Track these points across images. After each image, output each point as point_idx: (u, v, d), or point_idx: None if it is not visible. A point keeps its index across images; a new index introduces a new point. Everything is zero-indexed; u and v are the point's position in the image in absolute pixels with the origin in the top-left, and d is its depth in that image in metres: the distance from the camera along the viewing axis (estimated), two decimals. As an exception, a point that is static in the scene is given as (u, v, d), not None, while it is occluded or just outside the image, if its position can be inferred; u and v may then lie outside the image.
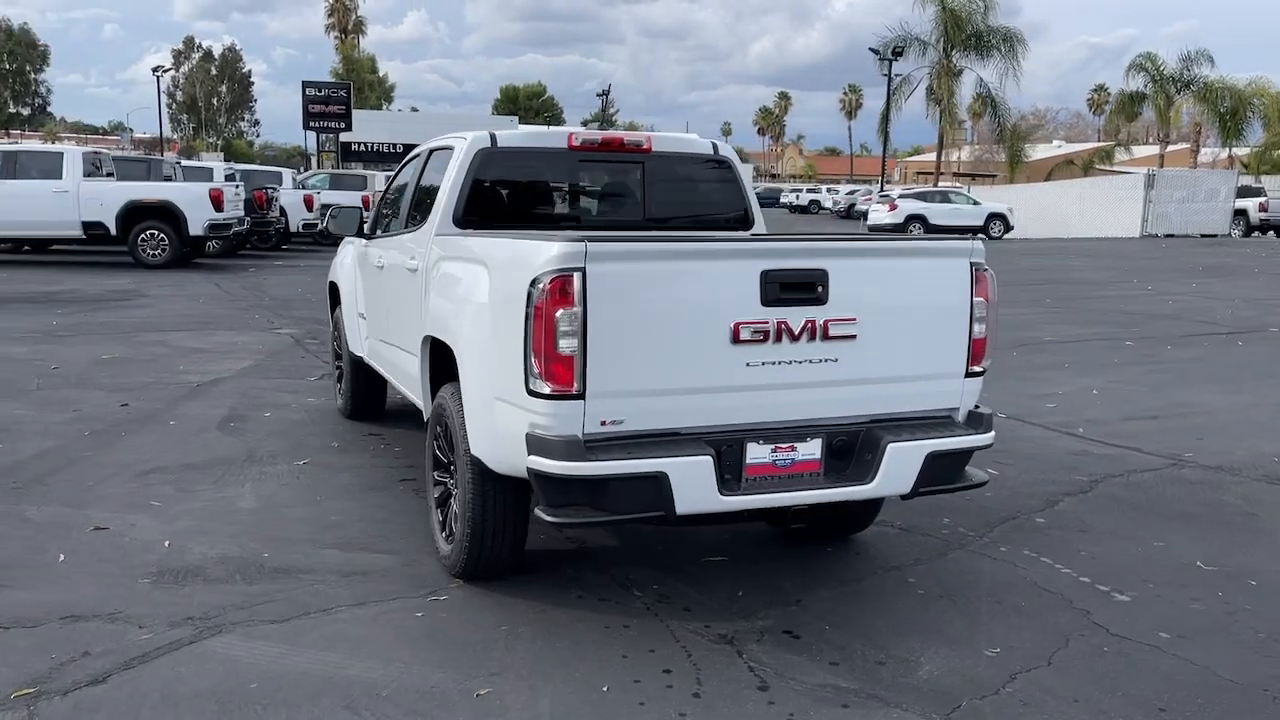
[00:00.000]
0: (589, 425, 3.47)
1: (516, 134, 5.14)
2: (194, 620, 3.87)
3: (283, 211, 23.32)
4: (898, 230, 31.73)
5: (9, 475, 5.66)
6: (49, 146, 19.64)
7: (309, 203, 24.10)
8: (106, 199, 17.89)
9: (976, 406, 4.09)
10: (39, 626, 3.79)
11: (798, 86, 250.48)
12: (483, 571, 4.21)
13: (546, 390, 3.42)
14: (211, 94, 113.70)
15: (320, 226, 22.55)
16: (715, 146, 5.39)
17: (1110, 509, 5.45)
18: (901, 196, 34.42)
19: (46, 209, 17.69)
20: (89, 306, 13.12)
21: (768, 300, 3.58)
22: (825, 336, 3.69)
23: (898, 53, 41.61)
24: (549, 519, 3.49)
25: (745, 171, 5.50)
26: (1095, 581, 4.45)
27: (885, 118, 43.71)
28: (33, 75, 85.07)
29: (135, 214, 18.05)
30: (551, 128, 5.68)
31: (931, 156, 56.87)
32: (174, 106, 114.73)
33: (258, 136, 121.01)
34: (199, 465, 5.95)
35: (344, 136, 63.88)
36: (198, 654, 3.60)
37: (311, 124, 61.11)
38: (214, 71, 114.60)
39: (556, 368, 3.39)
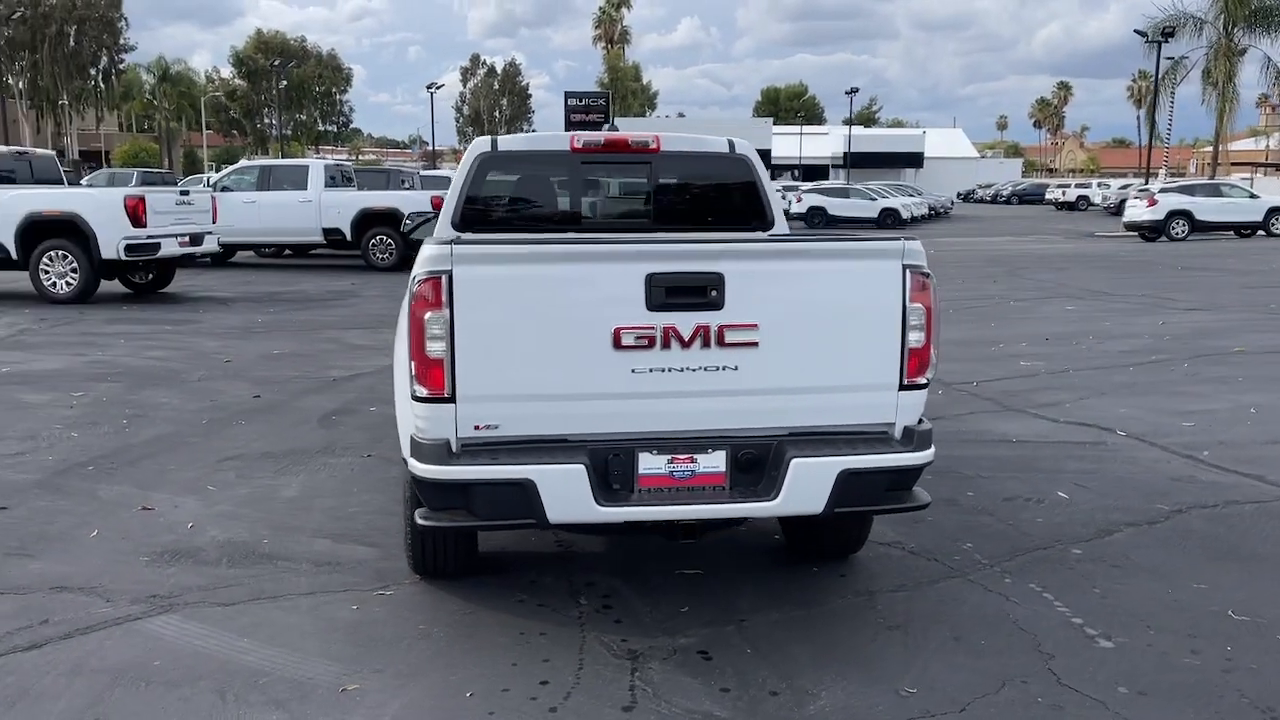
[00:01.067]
0: (462, 429, 3.46)
1: (519, 139, 5.20)
2: (156, 598, 4.18)
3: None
4: (1155, 228, 29.20)
5: (111, 457, 6.30)
6: (297, 160, 21.53)
7: (435, 205, 25.08)
8: (344, 207, 19.48)
9: (920, 422, 3.74)
10: (28, 594, 4.22)
11: (1087, 74, 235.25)
12: (432, 570, 4.28)
13: (423, 394, 3.45)
14: (494, 107, 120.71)
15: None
16: (732, 145, 5.21)
17: (1171, 543, 4.82)
18: (1163, 191, 31.58)
19: (294, 217, 19.50)
20: (299, 306, 14.32)
21: (653, 305, 3.44)
22: (721, 343, 3.50)
23: (1168, 34, 38.16)
24: (421, 522, 3.52)
25: (764, 170, 5.27)
26: (1087, 624, 3.96)
27: (1153, 105, 40.22)
28: (338, 96, 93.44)
29: (367, 221, 19.54)
30: (555, 132, 5.66)
31: (1237, 146, 51.67)
32: (460, 120, 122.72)
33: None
34: (275, 454, 6.39)
35: (605, 143, 66.29)
36: (134, 630, 3.89)
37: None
38: (496, 86, 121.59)
39: (428, 370, 3.42)
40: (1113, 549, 4.76)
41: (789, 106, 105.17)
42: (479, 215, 5.06)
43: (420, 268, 3.39)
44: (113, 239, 13.52)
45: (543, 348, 3.45)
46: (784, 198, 42.78)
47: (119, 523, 5.12)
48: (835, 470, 3.50)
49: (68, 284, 13.86)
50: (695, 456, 3.57)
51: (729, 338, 3.50)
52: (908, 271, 3.60)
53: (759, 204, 5.22)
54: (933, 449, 3.72)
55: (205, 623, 3.97)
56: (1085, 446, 6.58)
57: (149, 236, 13.88)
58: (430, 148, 76.18)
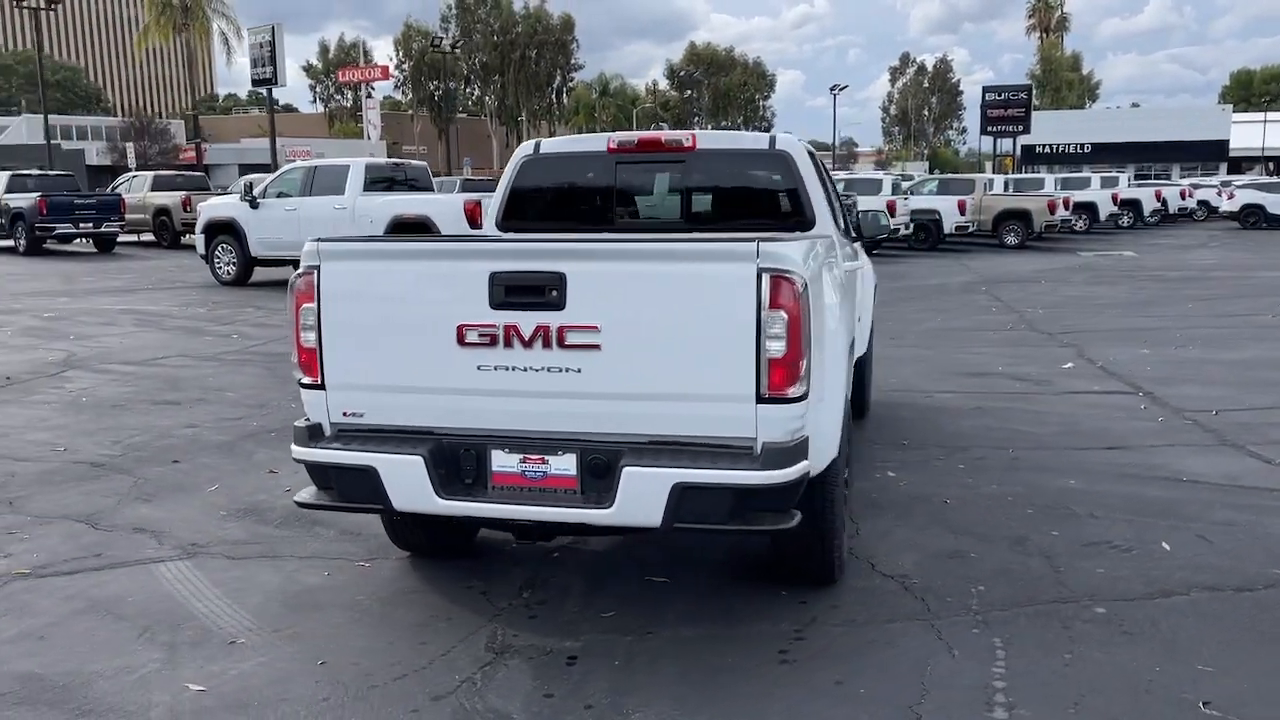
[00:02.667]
0: (333, 415, 3.72)
1: (560, 141, 5.31)
2: (194, 546, 4.85)
3: (865, 217, 24.01)
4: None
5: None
6: (338, 161, 19.17)
7: (891, 209, 24.48)
8: (376, 215, 16.45)
9: (795, 437, 3.43)
10: (111, 531, 5.07)
11: None
12: (404, 544, 4.57)
13: (303, 380, 3.75)
14: (922, 106, 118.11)
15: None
16: (773, 141, 4.97)
17: (1229, 616, 3.95)
18: None
19: (330, 227, 16.01)
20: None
21: (495, 303, 3.48)
22: (562, 344, 3.45)
23: None
24: (295, 500, 3.81)
25: (814, 168, 4.95)
26: (1006, 691, 3.41)
27: None
28: (760, 101, 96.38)
29: (399, 229, 16.13)
30: (598, 134, 5.60)
31: None
32: (886, 120, 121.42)
33: (964, 144, 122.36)
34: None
35: (1027, 139, 62.63)
36: (146, 570, 4.57)
37: (989, 128, 60.91)
38: (925, 84, 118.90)
39: (303, 359, 3.71)
40: (1147, 613, 3.98)
41: (1262, 90, 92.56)
42: (520, 215, 5.26)
43: (300, 263, 3.69)
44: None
45: (396, 341, 3.61)
46: (1219, 194, 38.18)
47: (241, 482, 5.91)
48: (669, 482, 3.32)
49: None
50: (546, 458, 3.54)
51: (569, 339, 3.44)
52: (766, 276, 3.32)
53: (798, 203, 4.92)
54: (799, 466, 3.39)
55: (202, 570, 4.55)
56: (1266, 494, 5.44)
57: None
58: (833, 149, 76.17)
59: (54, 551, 4.78)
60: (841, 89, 65.41)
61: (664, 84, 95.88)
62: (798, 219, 4.92)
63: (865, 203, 24.03)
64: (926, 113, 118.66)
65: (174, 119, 65.78)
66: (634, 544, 4.83)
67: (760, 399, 3.37)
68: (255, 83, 37.51)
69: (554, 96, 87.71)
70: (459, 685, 3.49)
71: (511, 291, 3.46)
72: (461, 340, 3.51)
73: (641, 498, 3.35)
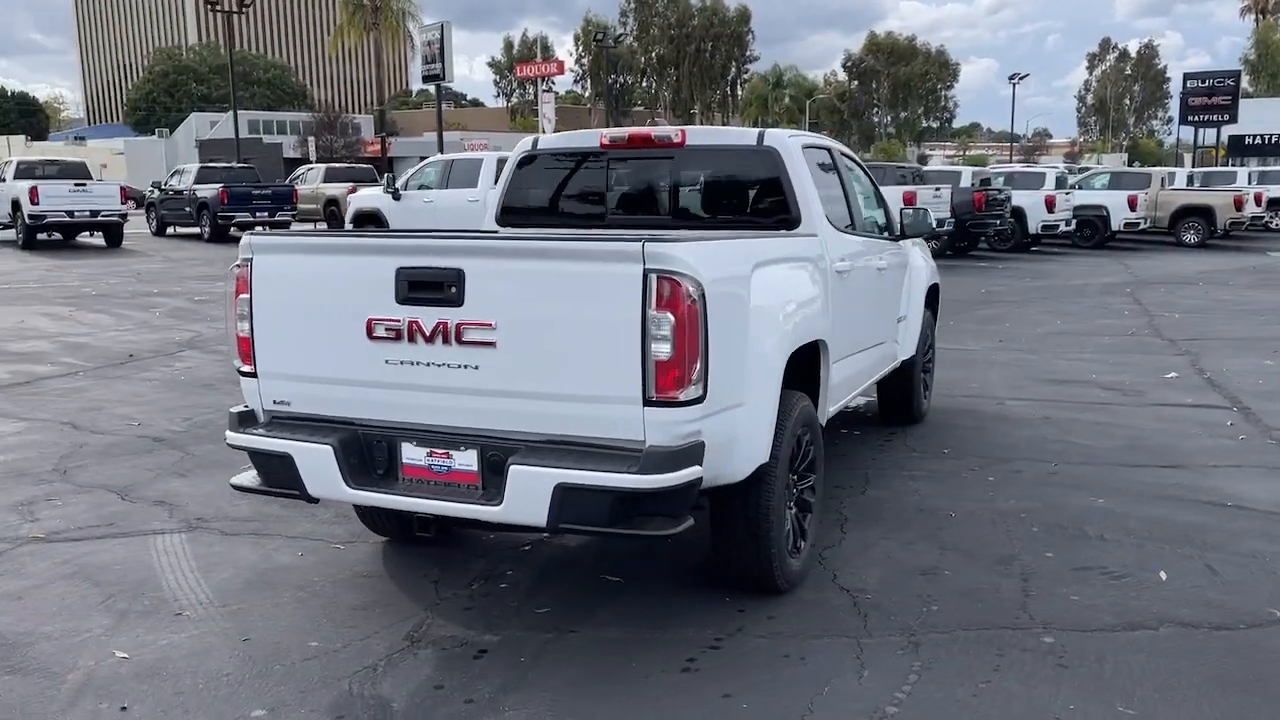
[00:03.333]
0: (265, 402, 3.88)
1: (557, 137, 5.32)
2: (200, 520, 5.13)
3: (1018, 213, 23.01)
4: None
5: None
6: (473, 154, 20.06)
7: (1049, 204, 23.34)
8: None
9: (688, 441, 3.35)
10: (136, 502, 5.41)
11: None
12: (374, 528, 4.72)
13: (241, 368, 3.92)
14: (1123, 94, 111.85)
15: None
16: (760, 138, 4.84)
17: (1195, 656, 3.61)
18: None
19: (463, 219, 17.22)
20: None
21: (400, 298, 3.55)
22: (460, 341, 3.49)
23: None
24: (231, 483, 3.97)
25: (805, 164, 4.78)
26: (900, 718, 3.23)
27: None
28: (942, 91, 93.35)
29: None
30: (592, 130, 5.50)
31: None
32: (1082, 110, 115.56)
33: (1169, 135, 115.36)
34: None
35: (1235, 129, 58.39)
36: (144, 542, 4.87)
37: (1190, 118, 57.16)
38: (1128, 71, 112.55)
39: (241, 348, 3.88)
40: (1098, 646, 3.69)
41: None
42: (518, 211, 5.30)
43: (238, 255, 3.86)
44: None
45: (317, 333, 3.72)
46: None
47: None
48: (552, 483, 3.31)
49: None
50: (451, 453, 3.59)
51: (467, 335, 3.47)
52: (653, 277, 3.25)
53: (783, 201, 4.77)
54: (686, 472, 3.31)
55: (192, 545, 4.82)
56: (1312, 525, 4.95)
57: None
58: (1011, 140, 72.91)
59: (73, 519, 5.15)
60: (1022, 78, 62.57)
61: (842, 75, 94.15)
62: (782, 217, 4.77)
63: (1022, 198, 23.07)
64: (1128, 102, 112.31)
65: (368, 114, 69.40)
66: (608, 541, 4.82)
67: (647, 401, 3.31)
68: (425, 79, 39.00)
69: (728, 89, 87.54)
70: (358, 671, 3.58)
71: (415, 287, 3.52)
72: (371, 334, 3.59)
73: (528, 497, 3.35)
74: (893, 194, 19.12)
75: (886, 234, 6.35)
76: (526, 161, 5.32)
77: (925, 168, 28.52)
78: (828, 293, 4.68)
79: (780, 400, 4.03)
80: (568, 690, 3.45)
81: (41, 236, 24.00)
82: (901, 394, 6.97)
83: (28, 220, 23.47)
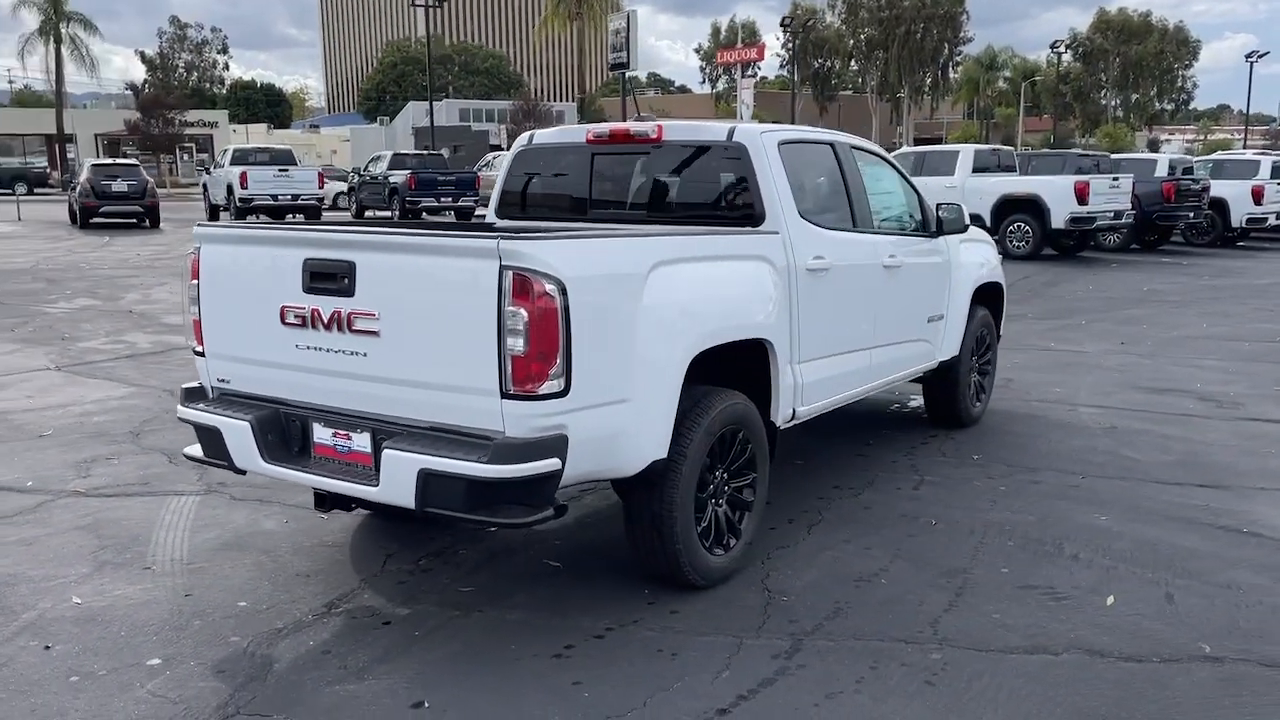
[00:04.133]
0: (212, 380, 4.23)
1: (551, 132, 5.44)
2: (220, 484, 5.59)
3: (1219, 205, 21.37)
4: None
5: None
6: (950, 146, 21.71)
7: (1257, 195, 21.51)
8: (985, 194, 19.23)
9: (552, 435, 3.44)
10: (176, 464, 5.94)
11: None
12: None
13: (195, 348, 4.29)
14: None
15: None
16: (731, 133, 4.81)
17: (1076, 685, 3.42)
18: None
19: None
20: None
21: (306, 287, 3.80)
22: (351, 329, 3.71)
23: None
24: (184, 453, 4.34)
25: (770, 163, 4.71)
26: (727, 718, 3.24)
27: None
28: (1179, 71, 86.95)
29: (1006, 207, 19.02)
30: (584, 125, 5.46)
31: None
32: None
33: None
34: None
35: None
36: (156, 501, 5.37)
37: None
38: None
39: (193, 329, 4.25)
40: (980, 667, 3.55)
41: None
42: (513, 204, 5.48)
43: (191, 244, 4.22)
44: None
45: (245, 317, 4.03)
46: None
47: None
48: (416, 467, 3.48)
49: (1021, 246, 18.59)
50: (350, 434, 3.82)
51: (356, 324, 3.69)
52: (508, 273, 3.37)
53: (749, 197, 4.72)
54: (540, 464, 3.40)
55: (201, 507, 5.27)
56: (1323, 557, 4.51)
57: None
58: (1245, 122, 66.80)
59: (118, 477, 5.73)
60: (1261, 56, 57.31)
61: (1066, 55, 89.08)
62: (746, 212, 4.73)
63: (1225, 188, 21.33)
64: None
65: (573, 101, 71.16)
66: (572, 528, 4.95)
67: (504, 394, 3.42)
68: (612, 67, 39.65)
69: (939, 72, 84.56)
70: (265, 632, 3.87)
71: (315, 277, 3.76)
72: (284, 320, 3.87)
73: (398, 479, 3.54)
74: (1063, 183, 18.28)
75: (921, 231, 6.15)
76: (521, 156, 5.49)
77: (1142, 155, 26.80)
78: (789, 291, 4.63)
79: (696, 398, 4.06)
80: (437, 665, 3.62)
81: (250, 219, 26.04)
82: (946, 395, 6.74)
83: (238, 203, 25.57)
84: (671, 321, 3.88)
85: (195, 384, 4.30)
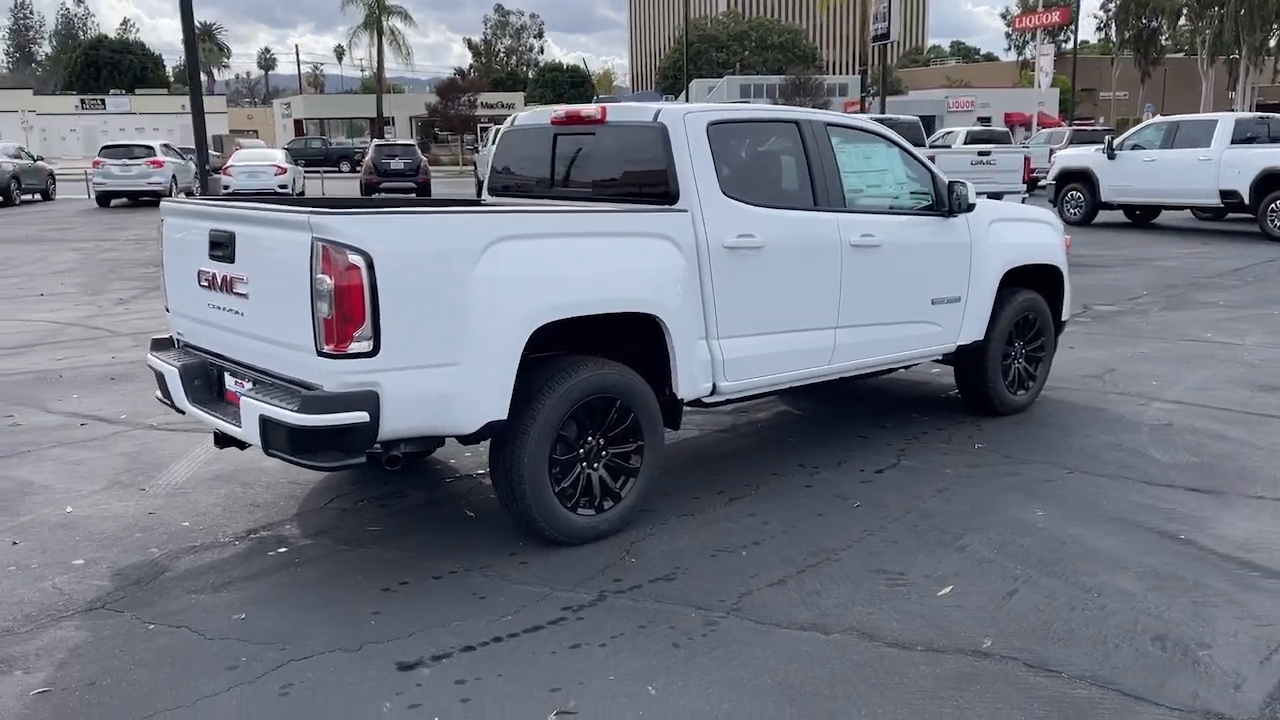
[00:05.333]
0: (175, 332, 4.97)
1: (529, 114, 5.75)
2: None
3: None
4: None
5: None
6: (1207, 116, 19.60)
7: None
8: (1244, 167, 17.46)
9: (361, 390, 3.86)
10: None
11: None
12: None
13: (167, 306, 5.05)
14: None
15: None
16: (656, 114, 4.97)
17: (816, 656, 3.43)
18: None
19: (1189, 176, 18.18)
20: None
21: (210, 255, 4.44)
22: (233, 291, 4.31)
23: None
24: (156, 395, 5.10)
25: (689, 142, 4.82)
26: (435, 662, 3.57)
27: None
28: None
29: (1268, 182, 17.19)
30: (556, 107, 5.54)
31: None
32: None
33: None
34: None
35: None
36: (192, 434, 6.24)
37: None
38: None
39: (165, 290, 5.01)
40: (743, 635, 3.63)
41: None
42: (500, 182, 5.88)
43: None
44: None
45: (183, 280, 4.72)
46: None
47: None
48: (258, 413, 4.02)
49: (1280, 226, 16.93)
50: (244, 383, 4.42)
51: (236, 288, 4.28)
52: (319, 244, 3.81)
53: (664, 176, 4.86)
54: (345, 415, 3.81)
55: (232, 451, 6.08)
56: (1254, 576, 4.11)
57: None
58: None
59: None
60: None
61: None
62: (663, 191, 4.88)
63: None
64: None
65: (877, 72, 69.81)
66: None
67: (319, 352, 3.87)
68: (875, 39, 38.59)
69: (1283, 31, 75.28)
70: (178, 549, 4.55)
71: (214, 246, 4.38)
72: (199, 282, 4.52)
73: (250, 424, 4.08)
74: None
75: (933, 210, 5.99)
76: (506, 137, 5.88)
77: None
78: (699, 268, 4.76)
79: (556, 366, 4.34)
80: (283, 587, 4.15)
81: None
82: (973, 380, 6.52)
83: (493, 179, 27.40)
84: (509, 294, 4.16)
85: (165, 336, 5.05)
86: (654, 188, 4.98)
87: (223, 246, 4.32)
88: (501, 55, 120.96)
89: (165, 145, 29.33)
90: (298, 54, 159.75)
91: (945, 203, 5.98)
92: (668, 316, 4.66)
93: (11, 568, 4.33)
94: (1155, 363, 8.08)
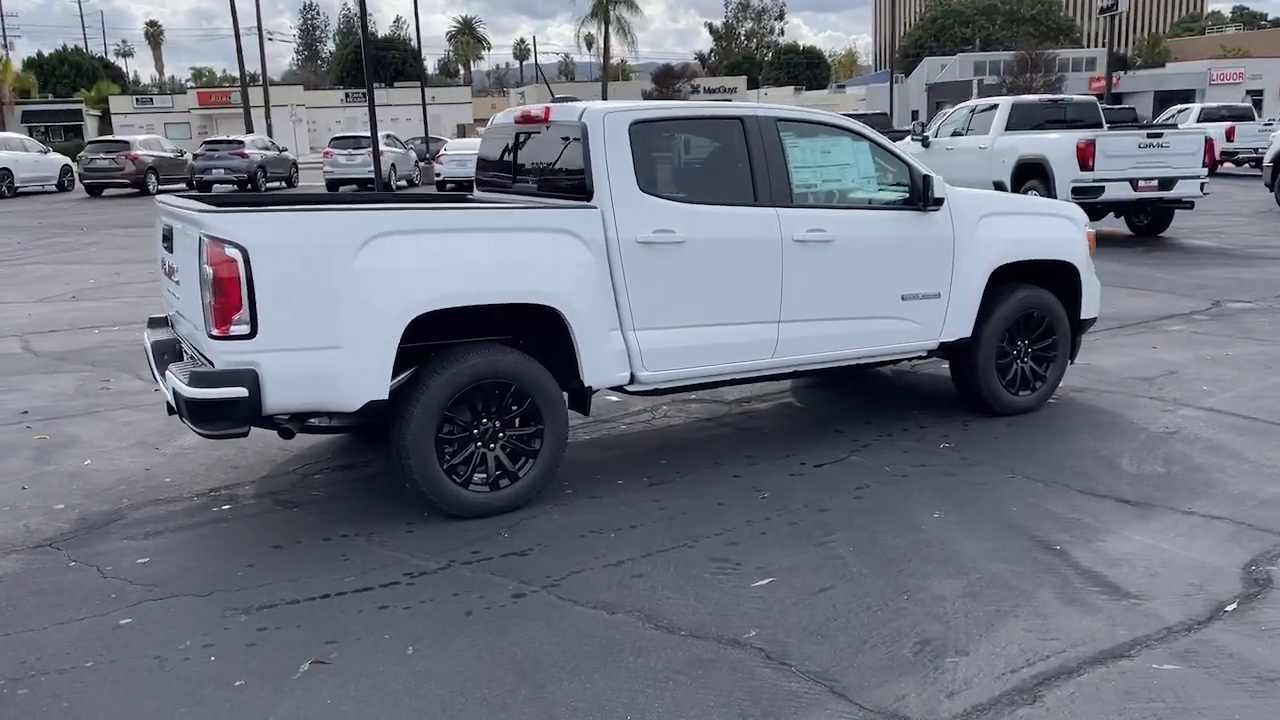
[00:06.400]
0: (165, 311, 5.68)
1: (502, 114, 6.07)
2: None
3: None
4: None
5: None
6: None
7: None
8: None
9: (240, 369, 4.36)
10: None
11: None
12: None
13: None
14: None
15: None
16: (581, 114, 5.20)
17: (584, 632, 3.64)
18: None
19: None
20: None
21: (164, 245, 5.09)
22: (173, 278, 4.94)
23: None
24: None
25: (606, 142, 5.02)
26: (133, 625, 4.02)
27: None
28: None
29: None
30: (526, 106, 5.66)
31: None
32: None
33: None
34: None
35: None
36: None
37: None
38: None
39: (164, 275, 5.73)
40: (538, 611, 3.87)
41: None
42: (481, 177, 6.27)
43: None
44: (1065, 180, 14.56)
45: (159, 266, 5.40)
46: None
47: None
48: (173, 386, 4.61)
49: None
50: (194, 357, 5.04)
51: (174, 275, 4.90)
52: (205, 239, 4.35)
53: (581, 174, 5.09)
54: (223, 390, 4.31)
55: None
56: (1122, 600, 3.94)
57: (1095, 180, 14.42)
58: None
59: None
60: None
61: None
62: (581, 187, 5.11)
63: None
64: None
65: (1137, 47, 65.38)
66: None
67: (209, 334, 4.41)
68: (1101, 11, 35.98)
69: None
70: (143, 500, 5.23)
71: (163, 238, 5.02)
72: (162, 268, 5.18)
73: (172, 395, 4.69)
74: None
75: (908, 205, 5.89)
76: (487, 134, 6.25)
77: None
78: (609, 262, 4.99)
79: (447, 352, 4.71)
80: (197, 540, 4.72)
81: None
82: (963, 378, 6.36)
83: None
84: (386, 285, 4.54)
85: (161, 315, 5.77)
86: (576, 184, 5.23)
87: (168, 239, 4.95)
88: (742, 39, 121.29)
89: (389, 136, 31.52)
90: (534, 45, 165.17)
91: (919, 198, 5.86)
92: (567, 308, 4.91)
93: (5, 508, 5.15)
94: (1231, 367, 7.49)
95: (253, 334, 4.36)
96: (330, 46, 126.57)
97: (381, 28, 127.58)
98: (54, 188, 33.08)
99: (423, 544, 4.58)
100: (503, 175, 6.07)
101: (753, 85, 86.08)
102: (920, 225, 5.89)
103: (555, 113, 5.48)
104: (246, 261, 4.30)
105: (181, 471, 5.66)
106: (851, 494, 5.06)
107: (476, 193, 6.35)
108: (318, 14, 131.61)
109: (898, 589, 4.00)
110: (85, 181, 30.38)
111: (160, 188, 29.48)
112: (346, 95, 75.85)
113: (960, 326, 6.08)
